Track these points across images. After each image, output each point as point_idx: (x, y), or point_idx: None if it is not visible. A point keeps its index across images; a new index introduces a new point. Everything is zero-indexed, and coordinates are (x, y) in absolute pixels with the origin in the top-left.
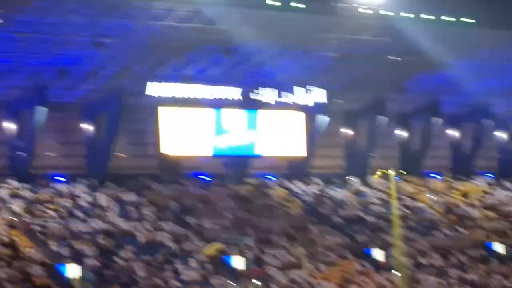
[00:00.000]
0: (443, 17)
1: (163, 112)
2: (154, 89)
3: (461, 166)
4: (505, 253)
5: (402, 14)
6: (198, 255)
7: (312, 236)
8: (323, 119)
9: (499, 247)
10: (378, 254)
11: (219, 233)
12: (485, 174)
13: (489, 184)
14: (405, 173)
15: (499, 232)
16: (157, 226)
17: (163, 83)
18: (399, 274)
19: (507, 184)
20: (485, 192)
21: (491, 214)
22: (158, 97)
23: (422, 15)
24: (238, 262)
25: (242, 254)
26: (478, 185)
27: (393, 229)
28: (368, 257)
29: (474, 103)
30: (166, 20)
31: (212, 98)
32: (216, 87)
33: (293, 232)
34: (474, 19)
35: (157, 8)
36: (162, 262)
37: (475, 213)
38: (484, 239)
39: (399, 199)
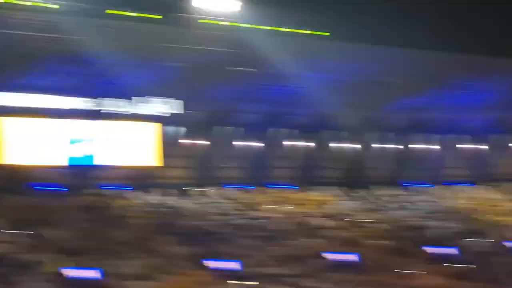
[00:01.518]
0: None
1: (7, 122)
2: None
3: (310, 176)
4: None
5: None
6: (43, 267)
7: (154, 246)
8: (173, 130)
9: (345, 256)
10: (219, 264)
11: (65, 244)
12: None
13: (335, 195)
14: None
15: (347, 241)
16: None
17: (6, 93)
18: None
19: (354, 194)
20: (331, 202)
21: (338, 223)
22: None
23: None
24: (82, 274)
25: (86, 265)
26: (325, 195)
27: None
28: (209, 267)
29: (322, 114)
30: (6, 28)
31: (60, 108)
32: (64, 97)
33: (135, 243)
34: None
35: None
36: (4, 274)
37: (323, 223)
38: (329, 248)
39: (246, 209)
